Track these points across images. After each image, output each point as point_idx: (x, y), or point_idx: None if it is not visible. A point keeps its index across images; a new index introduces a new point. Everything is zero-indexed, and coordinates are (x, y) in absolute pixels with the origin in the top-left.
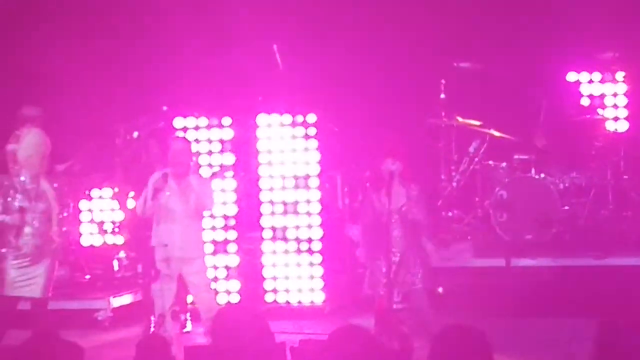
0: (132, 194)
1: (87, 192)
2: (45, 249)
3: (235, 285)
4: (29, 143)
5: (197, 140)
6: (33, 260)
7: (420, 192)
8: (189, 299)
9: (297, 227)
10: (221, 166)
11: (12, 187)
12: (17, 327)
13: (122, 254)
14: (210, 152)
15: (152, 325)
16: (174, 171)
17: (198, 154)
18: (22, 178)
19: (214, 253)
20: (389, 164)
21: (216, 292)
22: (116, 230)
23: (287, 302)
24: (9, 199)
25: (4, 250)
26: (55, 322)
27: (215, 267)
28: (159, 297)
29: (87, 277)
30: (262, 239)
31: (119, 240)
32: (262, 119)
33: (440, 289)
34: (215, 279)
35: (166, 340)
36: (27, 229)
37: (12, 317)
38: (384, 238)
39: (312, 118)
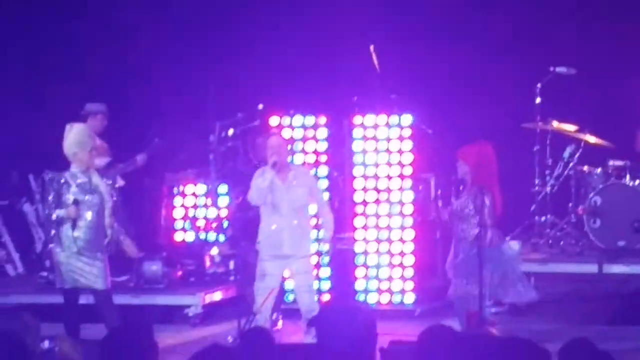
0: (225, 189)
1: (181, 188)
2: (99, 241)
3: (326, 285)
4: (71, 140)
5: (292, 139)
6: (90, 252)
7: (485, 199)
8: (288, 297)
9: (390, 229)
10: (316, 164)
11: (66, 182)
12: (86, 321)
13: (214, 251)
14: (305, 151)
15: (246, 322)
16: (274, 167)
17: (293, 152)
18: (74, 172)
19: None
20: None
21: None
22: (209, 226)
23: (378, 303)
24: (62, 193)
25: (61, 242)
26: (142, 315)
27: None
28: (260, 295)
29: (180, 272)
30: (355, 239)
31: (212, 236)
32: (357, 119)
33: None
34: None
35: (270, 332)
36: (81, 222)
37: (77, 311)
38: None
39: (407, 119)
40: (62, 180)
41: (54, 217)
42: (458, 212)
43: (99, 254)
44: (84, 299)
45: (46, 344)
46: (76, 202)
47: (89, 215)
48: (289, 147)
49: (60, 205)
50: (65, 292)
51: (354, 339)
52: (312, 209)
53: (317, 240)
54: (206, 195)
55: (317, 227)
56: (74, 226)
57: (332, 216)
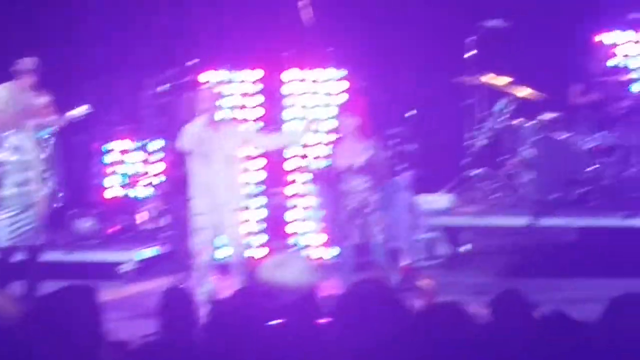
0: (160, 144)
1: (112, 145)
2: (29, 199)
3: (260, 239)
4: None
5: (226, 94)
6: (20, 210)
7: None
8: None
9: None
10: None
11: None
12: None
13: (147, 207)
14: (238, 106)
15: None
16: (207, 118)
17: (227, 106)
18: (3, 131)
19: None
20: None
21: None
22: (142, 182)
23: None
24: None
25: None
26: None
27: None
28: (197, 250)
29: (113, 229)
30: (286, 195)
31: (145, 192)
32: (290, 73)
33: (465, 248)
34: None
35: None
36: (7, 181)
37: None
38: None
39: (341, 73)
40: None
41: None
42: (348, 166)
43: (31, 211)
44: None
45: None
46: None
47: (18, 174)
48: (221, 100)
49: None
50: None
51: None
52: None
53: (249, 195)
54: (139, 150)
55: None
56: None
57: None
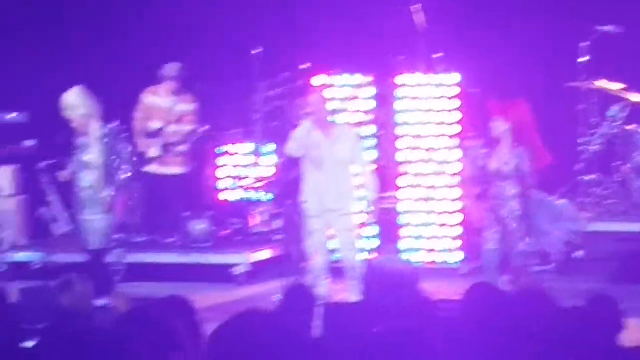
0: (272, 148)
1: (226, 148)
2: (99, 200)
3: (371, 244)
4: (68, 102)
5: (338, 98)
6: (89, 211)
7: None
8: (333, 256)
9: (434, 187)
10: (362, 123)
11: (76, 144)
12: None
13: (260, 209)
14: (350, 111)
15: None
16: (317, 122)
17: (338, 111)
18: (80, 136)
19: None
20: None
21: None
22: (255, 185)
23: (423, 262)
24: (73, 155)
25: (80, 202)
26: (192, 274)
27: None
28: (310, 253)
29: (226, 232)
30: (398, 198)
31: (258, 195)
32: (402, 78)
33: (579, 253)
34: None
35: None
36: (82, 183)
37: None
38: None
39: (453, 79)
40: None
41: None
42: (496, 171)
43: (99, 211)
44: None
45: (101, 301)
46: (77, 165)
47: (87, 177)
48: (332, 105)
49: (67, 165)
50: (90, 253)
51: (399, 297)
52: (355, 169)
53: (361, 199)
54: (251, 154)
55: (361, 186)
56: (75, 186)
57: (375, 178)
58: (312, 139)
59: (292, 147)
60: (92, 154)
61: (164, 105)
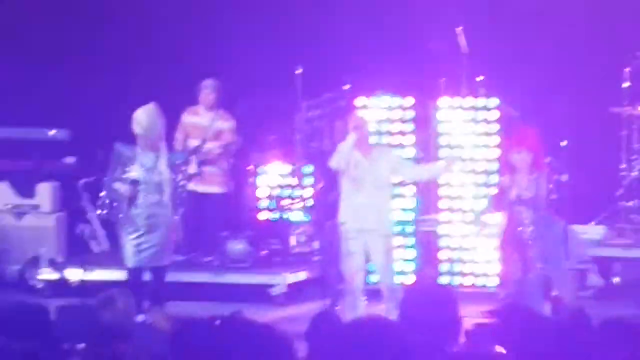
0: (310, 169)
1: (266, 168)
2: (158, 220)
3: (410, 266)
4: (140, 119)
5: (378, 119)
6: (146, 231)
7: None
8: (370, 278)
9: (474, 211)
10: (402, 145)
11: (133, 158)
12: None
13: (299, 230)
14: (390, 132)
15: (331, 303)
16: (357, 142)
17: (379, 132)
18: (140, 151)
19: None
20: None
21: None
22: (294, 206)
23: (462, 285)
24: (127, 170)
25: (121, 220)
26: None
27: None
28: (348, 275)
29: (264, 252)
30: (439, 221)
31: (297, 216)
32: (444, 100)
33: (615, 279)
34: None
35: (339, 317)
36: (139, 201)
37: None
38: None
39: (493, 102)
40: (130, 155)
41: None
42: (517, 197)
43: (158, 232)
44: None
45: (141, 317)
46: (134, 181)
47: (149, 195)
48: (374, 125)
49: (122, 180)
50: (128, 270)
51: (438, 321)
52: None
53: (400, 222)
54: (291, 175)
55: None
56: (130, 204)
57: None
58: (353, 158)
59: (336, 159)
60: (161, 174)
61: (201, 122)
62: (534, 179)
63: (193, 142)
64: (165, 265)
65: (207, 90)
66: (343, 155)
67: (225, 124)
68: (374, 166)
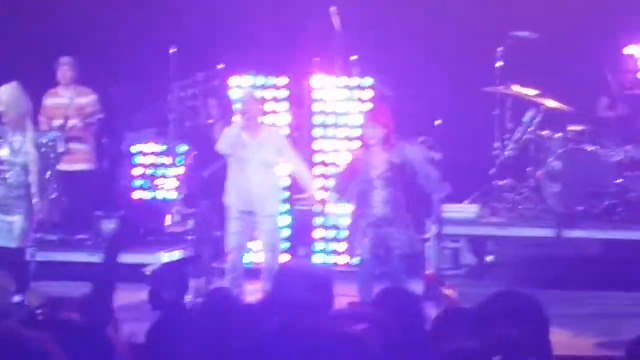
0: (184, 149)
1: (139, 147)
2: (19, 201)
3: (285, 245)
4: (3, 97)
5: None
6: (6, 211)
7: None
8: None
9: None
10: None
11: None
12: None
13: (173, 209)
14: (265, 112)
15: (205, 282)
16: (246, 124)
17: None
18: (6, 130)
19: None
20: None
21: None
22: (168, 185)
23: (336, 264)
24: None
25: None
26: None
27: None
28: (230, 254)
29: (138, 231)
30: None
31: (171, 195)
32: (317, 80)
33: (489, 258)
34: None
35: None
36: (6, 181)
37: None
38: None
39: (367, 81)
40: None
41: None
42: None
43: (17, 212)
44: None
45: (16, 298)
46: None
47: (8, 174)
48: (261, 106)
49: None
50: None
51: (310, 299)
52: (282, 169)
53: (284, 200)
54: (165, 154)
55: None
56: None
57: (310, 171)
58: (240, 138)
59: (223, 144)
60: (27, 154)
61: (61, 102)
62: (388, 156)
63: (57, 123)
64: (27, 246)
65: (65, 67)
66: (230, 140)
67: (84, 99)
68: (261, 147)
